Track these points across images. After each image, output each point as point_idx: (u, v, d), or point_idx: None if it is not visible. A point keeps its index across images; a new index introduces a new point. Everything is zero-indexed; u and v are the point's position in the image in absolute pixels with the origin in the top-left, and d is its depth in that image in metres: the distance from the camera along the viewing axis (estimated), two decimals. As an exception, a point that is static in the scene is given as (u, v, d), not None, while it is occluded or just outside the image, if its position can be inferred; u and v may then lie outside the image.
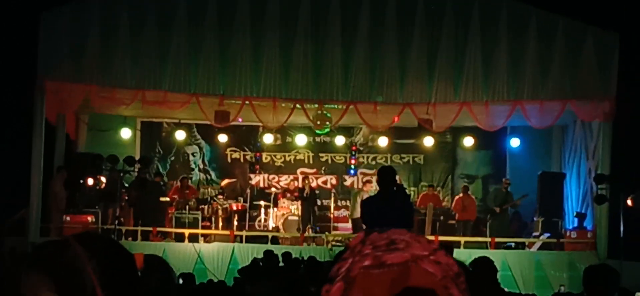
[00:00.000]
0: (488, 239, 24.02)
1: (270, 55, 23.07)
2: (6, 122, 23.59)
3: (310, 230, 24.98)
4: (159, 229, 24.14)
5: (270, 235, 24.19)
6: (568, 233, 24.31)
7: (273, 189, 27.31)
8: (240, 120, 24.92)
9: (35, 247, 2.23)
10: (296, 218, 25.54)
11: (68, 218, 23.32)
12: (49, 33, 22.57)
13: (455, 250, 19.85)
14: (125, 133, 27.25)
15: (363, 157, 29.23)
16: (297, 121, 25.38)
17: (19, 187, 22.43)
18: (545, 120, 23.91)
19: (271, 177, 29.03)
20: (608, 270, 8.26)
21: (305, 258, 17.67)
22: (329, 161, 29.18)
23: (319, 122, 24.15)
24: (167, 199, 25.53)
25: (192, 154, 29.06)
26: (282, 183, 28.47)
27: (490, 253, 14.41)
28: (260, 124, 25.91)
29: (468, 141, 27.26)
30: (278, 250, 19.72)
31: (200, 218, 24.96)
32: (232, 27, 22.96)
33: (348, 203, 28.22)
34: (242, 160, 29.11)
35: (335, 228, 26.81)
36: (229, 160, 29.13)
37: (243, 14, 22.96)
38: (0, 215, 21.76)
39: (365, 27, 23.09)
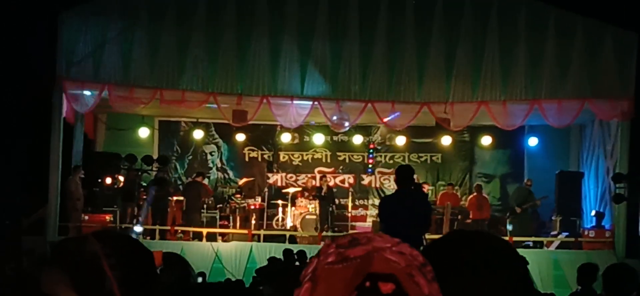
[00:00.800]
0: (506, 238, 23.96)
1: (288, 54, 23.08)
2: (25, 121, 23.67)
3: (328, 229, 24.97)
4: (176, 227, 24.27)
5: (288, 234, 24.18)
6: (586, 232, 24.25)
7: (291, 188, 27.29)
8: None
9: (54, 245, 2.25)
10: (314, 217, 25.54)
11: (86, 217, 23.43)
12: (67, 33, 22.66)
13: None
14: (143, 132, 27.36)
15: (381, 156, 29.23)
16: (315, 120, 25.41)
17: (37, 186, 22.50)
18: (563, 119, 23.81)
19: (289, 176, 29.06)
20: (627, 269, 8.24)
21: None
22: (347, 160, 29.17)
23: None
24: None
25: (210, 153, 29.10)
26: (299, 182, 28.48)
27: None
28: (277, 123, 25.89)
29: (486, 140, 27.26)
30: (296, 249, 19.73)
31: (218, 217, 25.05)
32: (251, 26, 22.96)
33: (366, 202, 28.27)
34: (259, 159, 29.14)
35: (353, 228, 26.80)
36: (247, 159, 29.16)
37: (261, 12, 22.94)
38: (18, 214, 21.83)
39: (383, 26, 23.07)
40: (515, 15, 23.10)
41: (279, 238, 23.75)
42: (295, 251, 18.61)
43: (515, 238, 23.39)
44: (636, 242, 22.25)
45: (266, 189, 27.35)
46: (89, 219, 23.32)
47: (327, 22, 23.07)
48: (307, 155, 29.09)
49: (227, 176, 29.03)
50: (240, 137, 27.40)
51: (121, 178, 25.09)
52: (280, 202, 26.16)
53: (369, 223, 27.35)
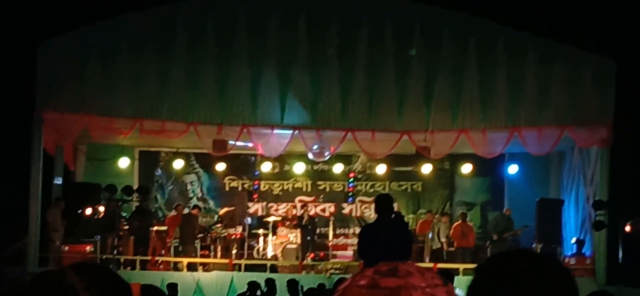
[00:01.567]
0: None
1: (268, 83, 23.08)
2: (5, 153, 23.59)
3: (309, 258, 24.91)
4: (157, 258, 24.17)
5: (268, 263, 24.13)
6: (567, 260, 24.25)
7: (272, 217, 27.23)
8: (242, 144, 24.77)
9: (33, 277, 2.24)
10: (295, 246, 25.48)
11: (67, 248, 23.32)
12: (46, 64, 22.55)
13: (455, 278, 19.79)
14: (124, 162, 27.30)
15: (361, 185, 29.22)
16: (296, 149, 25.40)
17: (18, 217, 22.40)
18: (543, 147, 23.89)
19: (270, 205, 29.00)
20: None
21: (304, 286, 17.68)
22: (327, 189, 29.15)
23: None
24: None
25: (191, 183, 29.02)
26: (280, 212, 28.41)
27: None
28: (258, 153, 25.84)
29: (466, 168, 27.33)
30: (278, 278, 19.71)
31: (198, 247, 24.97)
32: (231, 55, 22.96)
33: (347, 231, 28.25)
34: (240, 188, 29.07)
35: (334, 256, 26.74)
36: (227, 188, 29.09)
37: (241, 42, 22.96)
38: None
39: (362, 54, 23.11)
40: (494, 44, 23.17)
41: (260, 268, 23.69)
42: (285, 281, 18.63)
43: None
44: (617, 269, 22.33)
45: (247, 218, 27.25)
46: (69, 250, 23.21)
47: (307, 51, 23.09)
48: (287, 184, 29.04)
49: (207, 206, 28.93)
50: (221, 167, 27.39)
51: (101, 208, 24.96)
52: (261, 231, 26.07)
53: (350, 252, 27.26)
